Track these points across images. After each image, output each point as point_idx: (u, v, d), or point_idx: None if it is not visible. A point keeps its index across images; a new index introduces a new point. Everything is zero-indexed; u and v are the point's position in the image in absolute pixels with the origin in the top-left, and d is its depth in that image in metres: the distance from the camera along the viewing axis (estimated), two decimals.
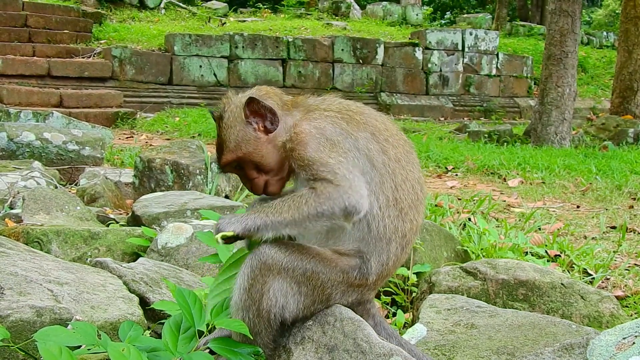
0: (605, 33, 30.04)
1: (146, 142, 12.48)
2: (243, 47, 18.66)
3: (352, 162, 2.10)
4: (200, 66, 18.12)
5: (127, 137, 13.41)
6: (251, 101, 2.25)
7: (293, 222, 2.01)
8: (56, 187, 6.42)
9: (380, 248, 2.14)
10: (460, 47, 21.57)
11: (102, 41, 18.42)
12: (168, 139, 12.91)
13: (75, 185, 7.00)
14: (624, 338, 1.49)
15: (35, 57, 16.33)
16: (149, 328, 2.86)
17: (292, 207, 2.01)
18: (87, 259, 4.02)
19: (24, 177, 6.56)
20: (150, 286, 3.15)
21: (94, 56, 17.30)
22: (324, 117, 2.20)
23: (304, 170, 2.09)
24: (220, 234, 2.03)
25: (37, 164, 7.13)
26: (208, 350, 2.09)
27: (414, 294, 3.83)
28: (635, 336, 1.47)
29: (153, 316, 3.02)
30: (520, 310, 3.11)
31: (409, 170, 2.23)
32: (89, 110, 15.12)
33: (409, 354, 2.15)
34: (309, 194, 2.04)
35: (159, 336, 2.82)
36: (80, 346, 2.34)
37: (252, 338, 2.02)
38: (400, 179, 2.18)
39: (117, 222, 5.18)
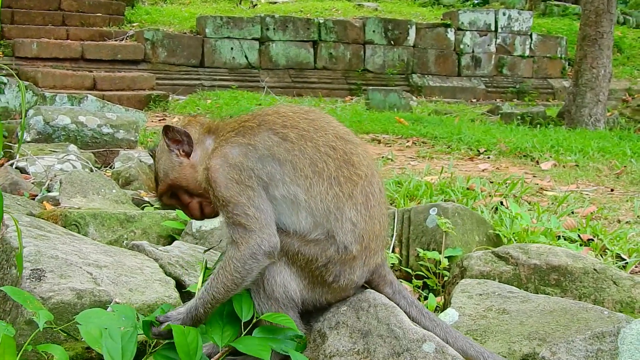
0: None
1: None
2: (274, 29, 18.65)
3: (258, 190, 2.18)
4: (232, 48, 18.17)
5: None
6: (167, 129, 2.39)
7: (234, 290, 2.17)
8: (91, 170, 6.54)
9: (336, 221, 2.19)
10: (493, 28, 21.29)
11: (134, 24, 18.58)
12: None
13: (110, 168, 7.11)
14: None
15: (69, 40, 16.53)
16: None
17: (225, 280, 2.15)
18: (123, 242, 4.11)
19: (60, 160, 6.69)
20: (185, 269, 3.21)
21: (126, 39, 17.46)
22: (224, 144, 2.28)
23: (222, 210, 2.22)
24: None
25: (72, 147, 7.26)
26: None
27: (445, 278, 3.85)
28: None
29: (189, 299, 3.08)
30: (552, 295, 3.11)
31: (319, 137, 2.25)
32: (122, 93, 15.29)
33: (431, 324, 2.22)
34: (232, 254, 2.16)
35: None
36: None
37: (295, 328, 2.09)
38: (312, 151, 2.21)
39: (152, 205, 5.26)
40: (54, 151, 7.08)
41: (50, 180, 5.89)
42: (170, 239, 4.23)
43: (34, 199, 5.23)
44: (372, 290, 2.20)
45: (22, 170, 6.36)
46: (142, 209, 4.95)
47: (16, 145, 7.05)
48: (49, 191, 5.64)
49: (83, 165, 6.66)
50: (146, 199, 5.62)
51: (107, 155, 7.81)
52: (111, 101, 11.35)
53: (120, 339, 2.03)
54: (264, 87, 17.59)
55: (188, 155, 2.37)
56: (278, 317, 2.05)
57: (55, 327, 2.29)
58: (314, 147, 2.22)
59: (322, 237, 2.19)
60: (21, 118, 8.70)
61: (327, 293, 2.21)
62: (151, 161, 7.20)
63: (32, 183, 5.90)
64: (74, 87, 14.87)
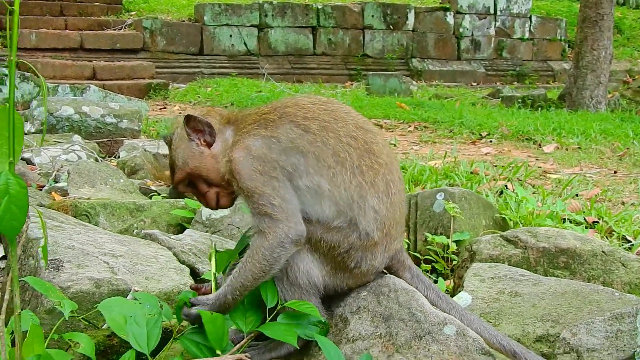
0: None
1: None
2: (273, 15, 18.61)
3: (282, 180, 2.22)
4: (231, 35, 18.14)
5: (160, 108, 13.55)
6: (189, 118, 2.38)
7: (262, 278, 2.20)
8: (96, 160, 6.57)
9: (359, 209, 2.22)
10: (492, 11, 21.24)
11: (132, 13, 18.53)
12: None
13: (115, 157, 7.14)
14: None
15: (67, 30, 16.49)
16: None
17: (253, 267, 2.18)
18: (133, 231, 4.15)
19: (65, 151, 6.72)
20: (199, 257, 3.25)
21: (125, 28, 17.42)
22: (246, 135, 2.30)
23: (247, 201, 2.25)
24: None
25: (77, 137, 7.28)
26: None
27: (454, 262, 3.89)
28: None
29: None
30: (561, 278, 3.15)
31: (339, 127, 2.28)
32: (122, 82, 15.28)
33: (448, 307, 2.27)
34: (260, 243, 2.19)
35: None
36: None
37: (319, 316, 2.14)
38: (334, 142, 2.24)
39: (159, 194, 5.29)
40: (58, 142, 7.10)
41: (57, 171, 5.92)
42: (179, 228, 4.27)
43: (41, 190, 5.26)
44: (392, 276, 2.24)
45: (28, 162, 6.39)
46: (150, 198, 4.98)
47: None
48: (56, 182, 5.67)
49: (88, 155, 6.69)
50: (153, 188, 5.65)
51: (111, 145, 7.83)
52: (111, 90, 11.35)
53: (145, 325, 2.07)
54: (263, 74, 17.58)
55: (209, 145, 2.39)
56: (302, 305, 2.09)
57: (77, 316, 2.33)
58: (336, 137, 2.25)
59: (345, 225, 2.22)
60: (24, 109, 8.72)
61: (348, 278, 2.25)
62: (156, 150, 7.19)
63: (39, 174, 5.92)
64: (73, 77, 14.86)
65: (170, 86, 15.88)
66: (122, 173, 5.51)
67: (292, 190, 2.21)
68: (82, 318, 2.40)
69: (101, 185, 5.13)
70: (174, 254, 3.21)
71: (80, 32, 16.39)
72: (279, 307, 2.19)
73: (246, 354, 2.13)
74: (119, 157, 6.99)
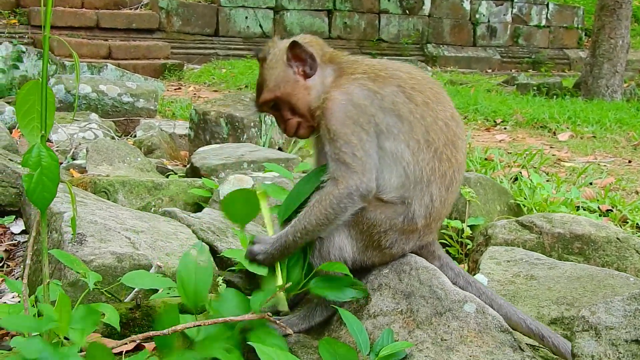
0: None
1: (194, 94, 12.64)
2: None
3: (372, 135, 2.23)
4: (246, 17, 18.12)
5: (175, 89, 13.59)
6: (294, 45, 2.37)
7: (325, 225, 2.21)
8: (113, 139, 6.62)
9: (420, 191, 2.24)
10: None
11: None
12: (215, 91, 13.06)
13: (131, 137, 7.19)
14: None
15: (83, 9, 16.52)
16: (219, 275, 3.01)
17: (319, 213, 2.20)
18: (151, 209, 4.20)
19: (82, 129, 6.78)
20: (217, 235, 3.29)
21: (141, 7, 17.44)
22: (352, 81, 2.31)
23: (329, 143, 2.24)
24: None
25: (94, 115, 7.34)
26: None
27: (468, 246, 3.92)
28: None
29: (221, 264, 3.16)
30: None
31: (439, 110, 2.31)
32: (137, 62, 15.32)
33: (477, 292, 2.29)
34: (330, 190, 2.20)
35: (229, 283, 2.98)
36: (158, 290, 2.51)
37: (351, 276, 2.18)
38: (430, 120, 2.27)
39: (176, 173, 5.35)
40: (75, 120, 7.15)
41: (75, 149, 5.98)
42: (196, 207, 4.31)
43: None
44: (413, 254, 2.27)
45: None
46: (167, 177, 5.03)
47: None
48: (74, 159, 5.73)
49: (105, 134, 6.74)
50: (170, 167, 5.71)
51: (127, 124, 7.89)
52: (126, 70, 11.40)
53: (195, 272, 2.11)
54: None
55: (306, 76, 2.39)
56: (334, 265, 2.13)
57: (100, 288, 2.38)
58: (433, 117, 2.28)
59: (397, 201, 2.26)
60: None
61: (376, 256, 2.28)
62: (172, 130, 7.23)
63: (56, 151, 5.99)
64: (89, 56, 14.91)
65: (185, 67, 15.92)
66: (140, 152, 5.57)
67: (376, 148, 2.23)
68: (105, 290, 2.45)
69: (119, 163, 5.18)
70: (193, 232, 3.25)
71: (96, 11, 16.42)
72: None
73: (281, 320, 2.18)
74: (135, 136, 7.05)
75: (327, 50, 2.49)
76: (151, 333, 2.02)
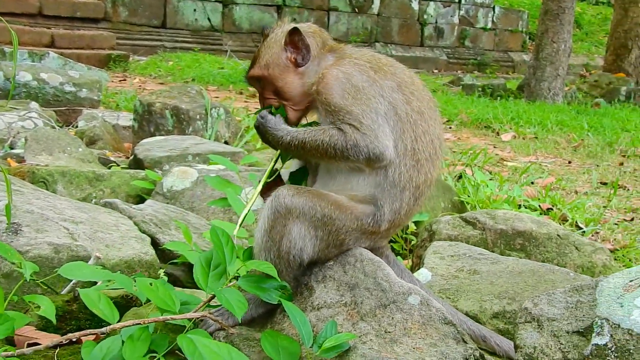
0: None
1: (140, 86, 12.41)
2: None
3: (375, 110, 2.20)
4: (195, 10, 17.90)
5: (120, 80, 13.32)
6: (294, 32, 2.37)
7: (322, 149, 2.18)
8: (54, 128, 6.44)
9: (394, 195, 2.23)
10: None
11: None
12: (162, 83, 12.85)
13: (73, 127, 7.00)
14: (630, 280, 1.61)
15: None
16: (160, 268, 2.95)
17: (324, 137, 2.18)
18: (92, 200, 4.09)
19: (21, 117, 6.57)
20: (159, 227, 3.23)
21: None
22: (353, 64, 2.30)
23: (331, 116, 2.22)
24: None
25: (34, 104, 7.11)
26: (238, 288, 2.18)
27: (412, 242, 3.95)
28: None
29: (163, 257, 3.10)
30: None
31: (430, 124, 2.31)
32: (81, 52, 14.94)
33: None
34: (338, 134, 2.17)
35: (171, 277, 2.92)
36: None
37: (278, 278, 2.11)
38: (421, 130, 2.27)
39: (118, 165, 5.23)
40: (14, 108, 6.92)
41: (13, 137, 5.79)
42: (138, 199, 4.22)
43: None
44: (359, 247, 2.26)
45: None
46: (109, 168, 4.92)
47: None
48: (12, 148, 5.55)
49: (45, 123, 6.55)
50: (112, 158, 5.58)
51: (69, 114, 7.67)
52: (70, 59, 11.10)
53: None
54: (226, 51, 17.40)
55: (297, 65, 2.37)
56: (262, 265, 2.07)
57: (36, 279, 2.30)
58: (424, 129, 2.28)
59: (370, 200, 2.24)
60: None
61: (333, 254, 2.25)
62: (115, 121, 7.08)
63: None
64: (31, 44, 14.45)
65: (131, 58, 15.61)
66: (81, 142, 5.42)
67: (385, 119, 2.22)
68: (41, 282, 2.37)
69: (59, 153, 5.04)
70: (135, 224, 3.18)
71: None
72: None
73: (213, 312, 2.14)
74: (77, 126, 6.86)
75: (330, 42, 2.50)
76: (89, 331, 1.96)
